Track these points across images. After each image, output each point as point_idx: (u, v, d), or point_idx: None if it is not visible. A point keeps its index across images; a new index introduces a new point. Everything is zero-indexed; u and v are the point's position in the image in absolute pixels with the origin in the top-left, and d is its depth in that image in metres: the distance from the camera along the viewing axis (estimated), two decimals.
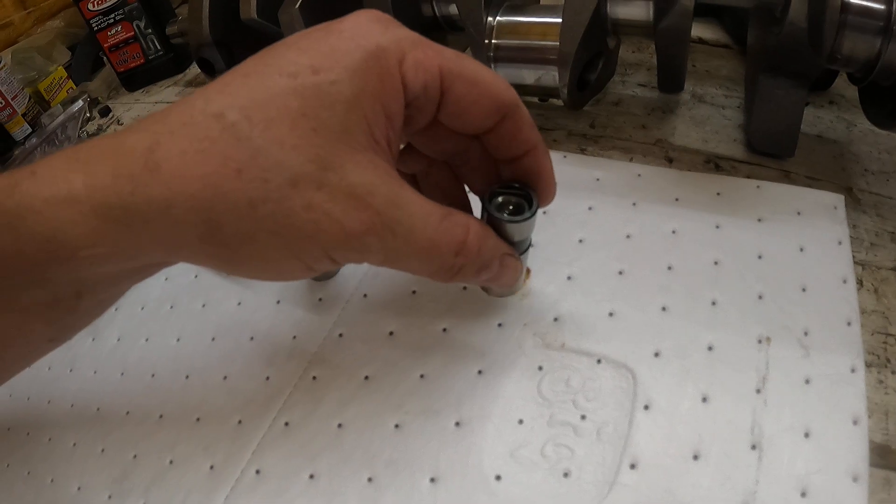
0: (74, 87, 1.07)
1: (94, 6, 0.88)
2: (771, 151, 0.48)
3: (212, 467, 0.38)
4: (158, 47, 0.91)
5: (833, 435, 0.32)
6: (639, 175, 0.46)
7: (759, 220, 0.42)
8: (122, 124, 0.84)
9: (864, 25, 0.41)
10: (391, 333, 0.40)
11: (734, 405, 0.33)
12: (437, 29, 0.60)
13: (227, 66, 0.64)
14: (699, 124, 0.52)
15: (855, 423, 0.32)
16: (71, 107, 0.84)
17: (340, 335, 0.41)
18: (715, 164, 0.48)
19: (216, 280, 0.50)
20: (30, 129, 1.01)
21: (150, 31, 0.89)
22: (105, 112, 0.91)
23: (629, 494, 0.30)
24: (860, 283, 0.40)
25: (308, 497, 0.35)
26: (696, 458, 0.31)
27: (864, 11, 0.40)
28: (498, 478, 0.32)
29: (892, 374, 0.35)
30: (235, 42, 0.66)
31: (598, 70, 0.52)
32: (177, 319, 0.48)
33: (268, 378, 0.41)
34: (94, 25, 0.90)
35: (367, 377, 0.38)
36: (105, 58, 0.96)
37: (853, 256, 0.40)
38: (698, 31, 0.63)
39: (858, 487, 0.30)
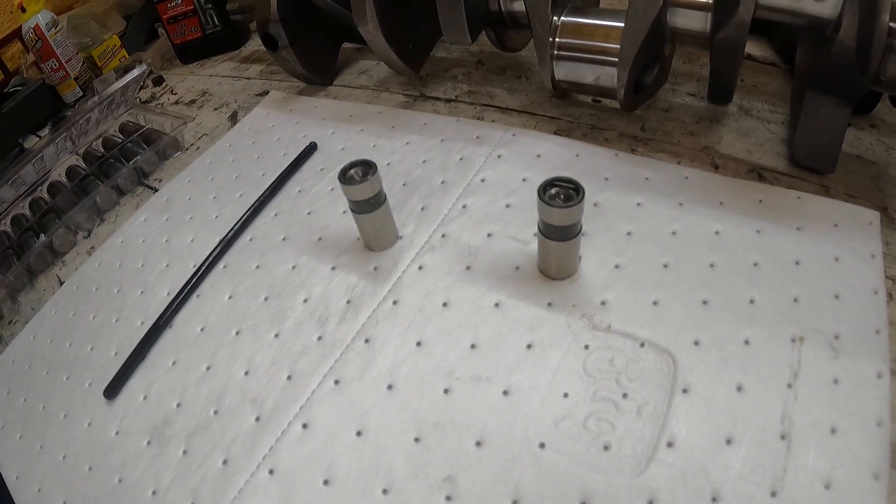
0: (127, 55, 1.10)
1: None
2: (812, 166, 0.50)
3: (258, 419, 0.40)
4: (216, 22, 0.93)
5: (857, 434, 0.33)
6: (686, 178, 0.48)
7: (798, 228, 0.43)
8: (175, 94, 0.86)
9: None
10: (445, 304, 0.42)
11: (767, 396, 0.34)
12: (501, 24, 0.62)
13: (291, 44, 0.66)
14: (745, 136, 0.54)
15: (878, 424, 0.33)
16: (133, 70, 0.85)
17: (394, 303, 0.43)
18: (758, 173, 0.50)
19: (272, 243, 0.52)
20: (80, 93, 1.03)
21: (209, 5, 0.91)
22: (158, 81, 0.93)
23: (666, 470, 0.32)
24: (890, 296, 0.41)
25: (355, 452, 0.36)
26: (728, 442, 0.33)
27: None
28: (542, 445, 0.34)
29: None
30: (301, 20, 0.68)
31: (654, 75, 0.53)
32: (229, 278, 0.50)
33: (319, 338, 0.43)
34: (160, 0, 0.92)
35: (419, 343, 0.40)
36: (162, 29, 0.98)
37: (884, 271, 0.41)
38: (748, 47, 0.64)
39: (879, 485, 0.31)
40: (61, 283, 0.60)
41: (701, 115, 0.57)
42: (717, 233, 0.43)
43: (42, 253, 0.63)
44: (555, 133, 0.56)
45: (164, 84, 0.92)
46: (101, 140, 0.77)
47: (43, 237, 0.63)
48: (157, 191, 0.66)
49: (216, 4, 0.91)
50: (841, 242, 0.42)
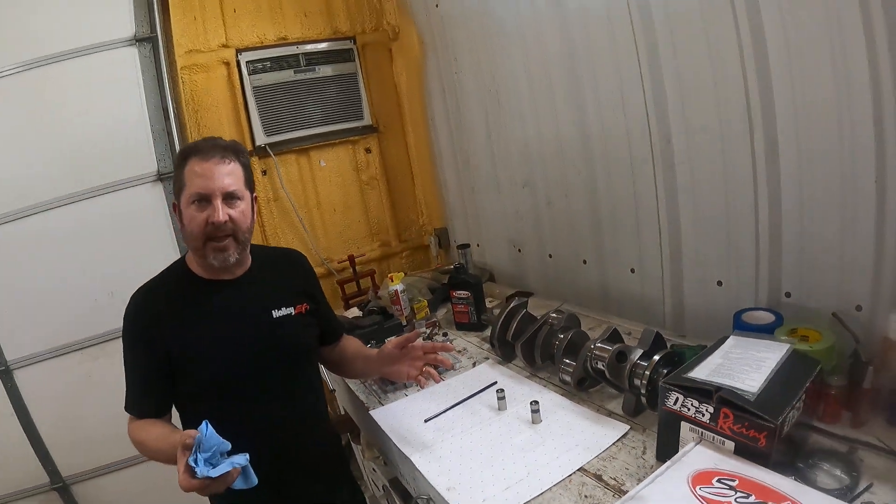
0: (429, 312, 2.77)
1: (455, 293, 2.57)
2: (628, 414, 1.82)
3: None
4: (478, 319, 2.56)
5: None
6: (589, 410, 1.91)
7: (602, 426, 1.80)
8: (453, 343, 2.51)
9: (639, 374, 1.74)
10: (503, 411, 1.97)
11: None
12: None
13: (501, 346, 2.25)
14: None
15: (588, 451, 1.80)
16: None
17: (499, 411, 2.00)
18: (609, 413, 1.86)
19: (481, 405, 2.10)
20: (405, 324, 2.72)
21: (474, 311, 2.54)
22: (444, 335, 2.60)
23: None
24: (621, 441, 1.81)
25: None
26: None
27: (636, 367, 1.77)
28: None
29: None
30: (506, 338, 2.26)
31: (589, 381, 1.96)
32: (473, 407, 2.11)
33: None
34: (455, 302, 2.59)
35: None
36: (452, 312, 2.63)
37: (626, 434, 1.74)
38: None
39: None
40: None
41: (615, 397, 1.96)
42: (580, 423, 1.85)
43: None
44: (557, 393, 2.03)
45: (447, 336, 2.57)
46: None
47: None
48: (445, 379, 2.24)
49: (477, 312, 2.53)
50: (615, 430, 1.76)
